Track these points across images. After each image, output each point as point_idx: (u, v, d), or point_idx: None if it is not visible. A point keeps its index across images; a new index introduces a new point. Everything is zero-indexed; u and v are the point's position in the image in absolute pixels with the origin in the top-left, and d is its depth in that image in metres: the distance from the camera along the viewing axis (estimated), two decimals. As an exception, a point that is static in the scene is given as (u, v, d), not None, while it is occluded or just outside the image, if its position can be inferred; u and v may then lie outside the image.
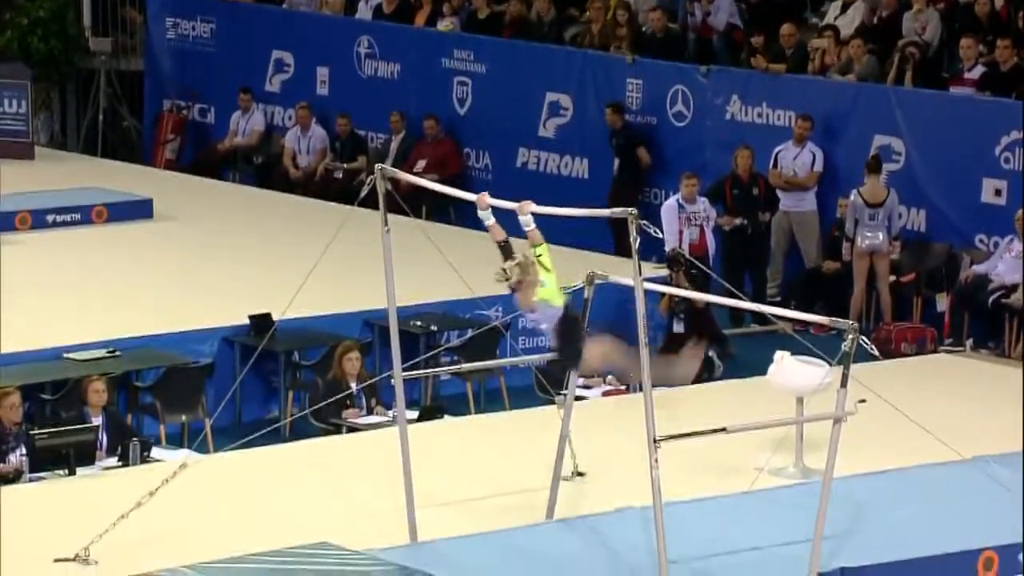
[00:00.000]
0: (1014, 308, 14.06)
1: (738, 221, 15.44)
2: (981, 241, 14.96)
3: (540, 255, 8.13)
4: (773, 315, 9.02)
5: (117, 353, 12.04)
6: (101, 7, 20.49)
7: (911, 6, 16.03)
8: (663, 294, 12.63)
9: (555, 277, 8.13)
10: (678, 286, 12.95)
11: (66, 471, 10.23)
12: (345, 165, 18.21)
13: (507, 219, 8.26)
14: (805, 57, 16.22)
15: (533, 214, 8.14)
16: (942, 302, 14.85)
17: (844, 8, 16.59)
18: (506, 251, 8.17)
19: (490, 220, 8.31)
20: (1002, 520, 9.11)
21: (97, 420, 10.82)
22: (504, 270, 8.07)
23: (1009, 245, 14.51)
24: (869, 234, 14.85)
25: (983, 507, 9.35)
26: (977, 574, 8.86)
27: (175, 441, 11.74)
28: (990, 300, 14.39)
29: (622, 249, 16.04)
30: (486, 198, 8.32)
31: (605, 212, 8.53)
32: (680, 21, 17.34)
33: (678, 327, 13.72)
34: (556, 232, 15.20)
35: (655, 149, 16.73)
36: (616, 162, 16.70)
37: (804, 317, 8.95)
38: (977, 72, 15.26)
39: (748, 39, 16.64)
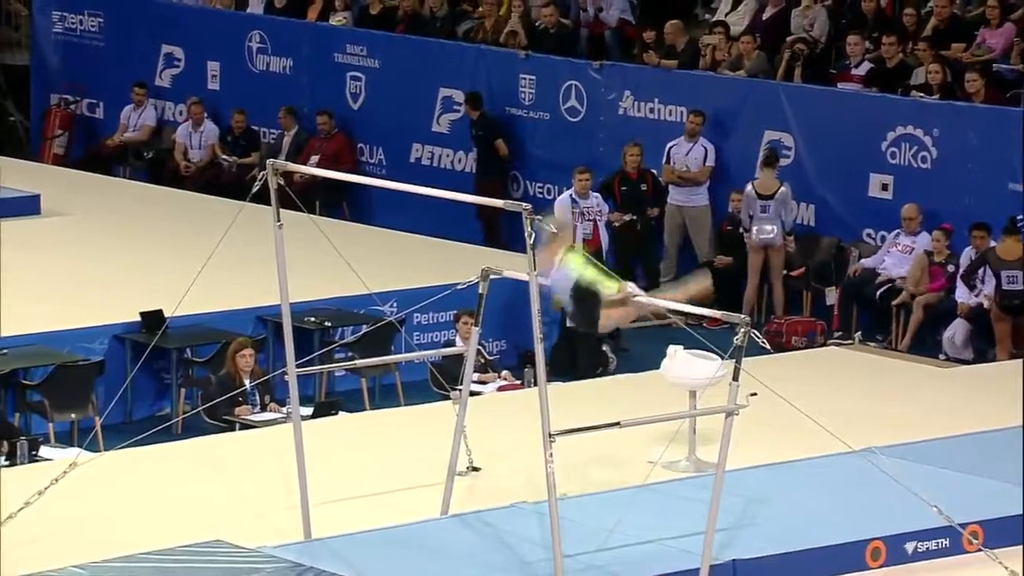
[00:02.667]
0: (901, 303, 14.29)
1: (627, 217, 15.56)
2: (869, 235, 15.17)
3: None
4: (666, 310, 9.09)
5: (4, 351, 11.86)
6: (-15, 0, 20.22)
7: (799, 3, 16.21)
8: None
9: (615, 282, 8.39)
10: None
11: (-48, 471, 10.09)
12: (237, 159, 18.07)
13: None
14: (696, 53, 16.34)
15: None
16: (831, 296, 15.05)
17: (734, 5, 16.74)
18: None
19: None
20: (889, 510, 9.26)
21: (-17, 419, 10.68)
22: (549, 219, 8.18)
23: (896, 239, 14.74)
24: (765, 227, 15.00)
25: (871, 498, 9.49)
26: (865, 564, 9.00)
27: (65, 440, 11.59)
28: (877, 293, 14.61)
29: (491, 240, 16.16)
30: (627, 287, 8.63)
31: (499, 203, 8.54)
32: (572, 17, 17.41)
33: (572, 321, 13.77)
34: (426, 224, 15.42)
35: (549, 144, 16.79)
36: (474, 153, 16.78)
37: (697, 311, 9.04)
38: (864, 68, 15.46)
39: (640, 35, 16.74)
